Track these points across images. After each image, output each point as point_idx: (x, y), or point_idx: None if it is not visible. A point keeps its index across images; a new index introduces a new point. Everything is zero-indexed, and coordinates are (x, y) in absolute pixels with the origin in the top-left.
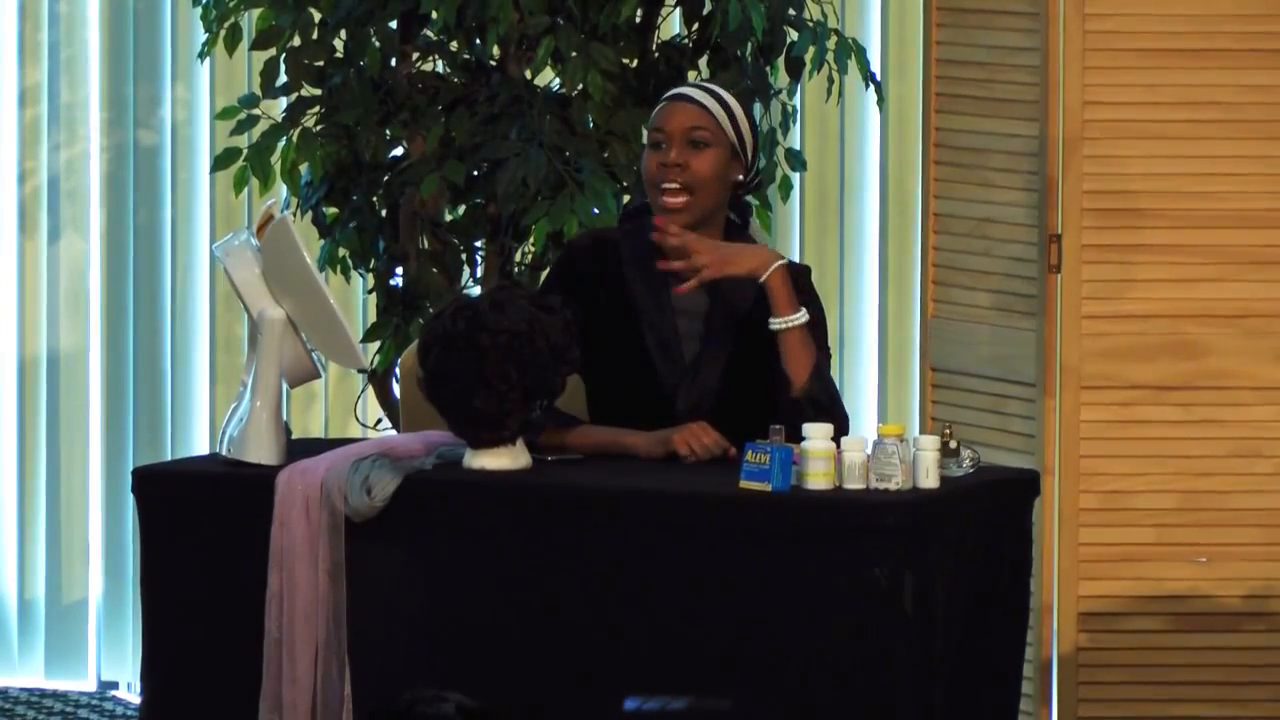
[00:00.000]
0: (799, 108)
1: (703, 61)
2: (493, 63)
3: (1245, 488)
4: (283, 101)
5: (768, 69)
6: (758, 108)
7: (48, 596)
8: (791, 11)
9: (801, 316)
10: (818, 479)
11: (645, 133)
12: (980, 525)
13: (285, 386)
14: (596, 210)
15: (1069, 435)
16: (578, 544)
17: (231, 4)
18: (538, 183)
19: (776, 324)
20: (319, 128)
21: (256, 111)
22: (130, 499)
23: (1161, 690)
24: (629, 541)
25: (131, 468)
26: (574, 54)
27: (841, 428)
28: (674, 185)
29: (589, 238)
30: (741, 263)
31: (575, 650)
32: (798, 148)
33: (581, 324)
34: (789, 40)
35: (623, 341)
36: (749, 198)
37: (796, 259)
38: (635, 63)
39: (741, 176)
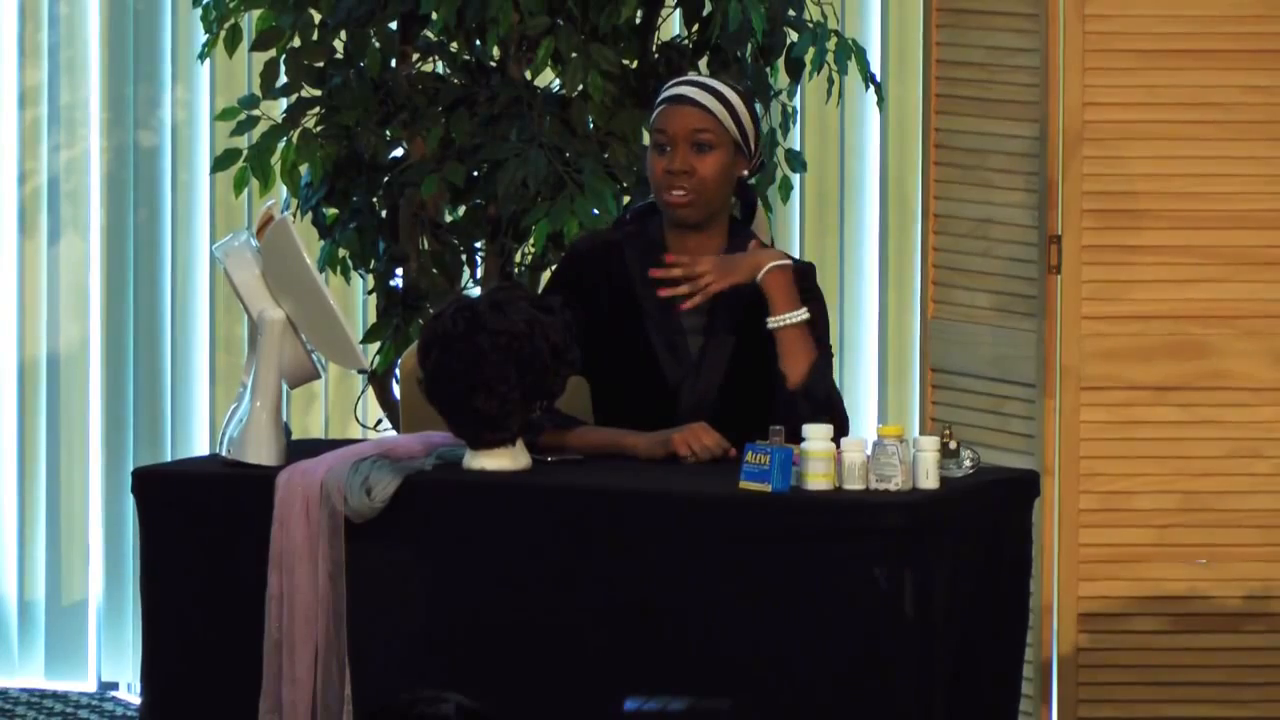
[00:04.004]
0: (799, 108)
1: (703, 62)
2: (493, 63)
3: (1245, 488)
4: (283, 102)
5: (768, 70)
6: (757, 108)
7: (48, 597)
8: (791, 12)
9: (799, 314)
10: (817, 479)
11: (647, 132)
12: (980, 525)
13: (285, 387)
14: (596, 211)
15: (1069, 436)
16: (578, 544)
17: (231, 5)
18: (538, 184)
19: (772, 323)
20: (319, 128)
21: (256, 112)
22: (130, 499)
23: (1161, 690)
24: (629, 542)
25: (131, 468)
26: (574, 55)
27: (840, 427)
28: (681, 191)
29: (592, 240)
30: (741, 270)
31: (575, 650)
32: (798, 148)
33: (585, 326)
34: (789, 41)
35: (628, 341)
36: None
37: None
38: (635, 63)
39: (746, 171)
